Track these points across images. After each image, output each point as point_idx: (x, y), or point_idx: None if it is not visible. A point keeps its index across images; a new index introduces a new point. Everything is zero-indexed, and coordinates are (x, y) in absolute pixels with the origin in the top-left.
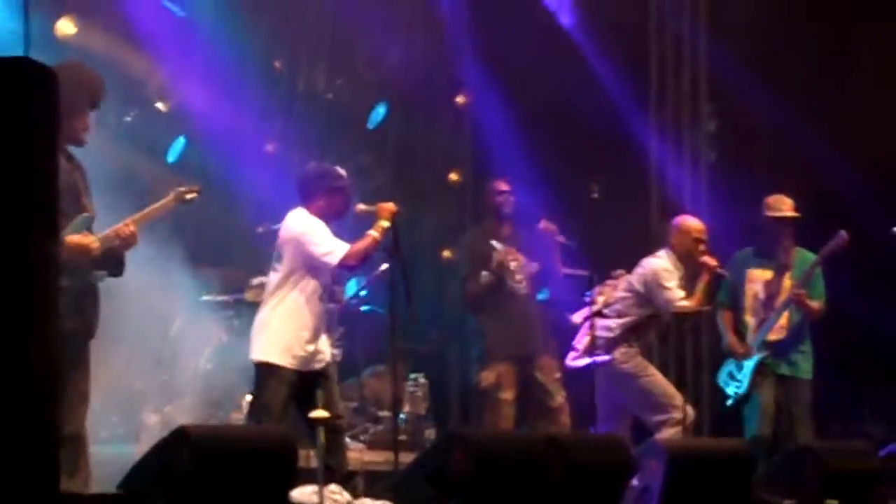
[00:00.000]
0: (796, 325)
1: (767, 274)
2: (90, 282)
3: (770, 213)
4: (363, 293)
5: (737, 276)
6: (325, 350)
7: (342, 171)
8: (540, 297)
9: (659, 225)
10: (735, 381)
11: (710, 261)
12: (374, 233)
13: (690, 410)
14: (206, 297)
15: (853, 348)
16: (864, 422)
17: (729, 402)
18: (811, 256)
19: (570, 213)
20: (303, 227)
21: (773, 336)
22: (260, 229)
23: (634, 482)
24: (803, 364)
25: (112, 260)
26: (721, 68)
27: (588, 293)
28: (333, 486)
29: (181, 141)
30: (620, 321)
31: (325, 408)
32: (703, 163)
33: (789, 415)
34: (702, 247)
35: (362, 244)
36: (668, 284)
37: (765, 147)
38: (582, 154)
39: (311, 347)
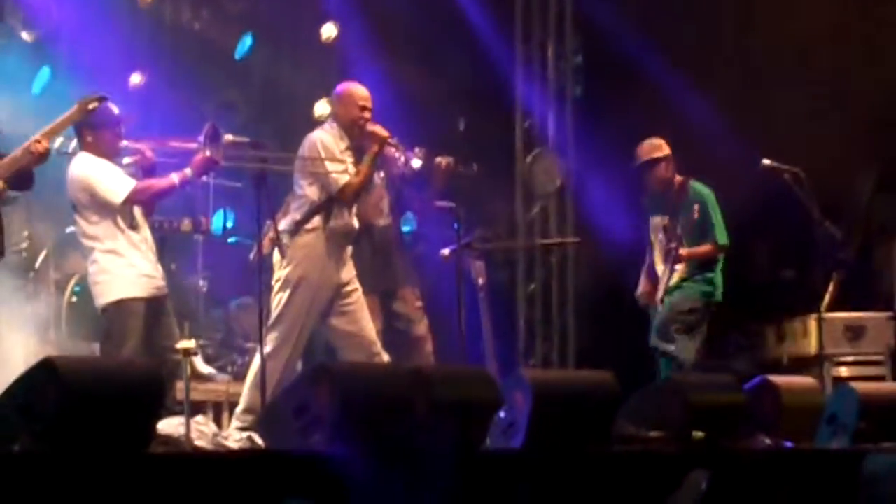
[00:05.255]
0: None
1: (663, 220)
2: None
3: (635, 162)
4: (230, 225)
5: (646, 223)
6: (160, 277)
7: (111, 107)
8: (406, 228)
9: (524, 158)
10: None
11: (377, 130)
12: (175, 177)
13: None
14: (71, 229)
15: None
16: (730, 358)
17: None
18: (703, 191)
19: (436, 146)
20: (85, 171)
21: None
22: (126, 160)
23: (500, 415)
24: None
25: (22, 176)
26: (587, 1)
27: (455, 224)
28: (200, 418)
29: (46, 72)
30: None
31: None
32: (569, 96)
33: None
34: (367, 114)
35: (157, 185)
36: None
37: (631, 81)
38: (448, 87)
39: (149, 275)
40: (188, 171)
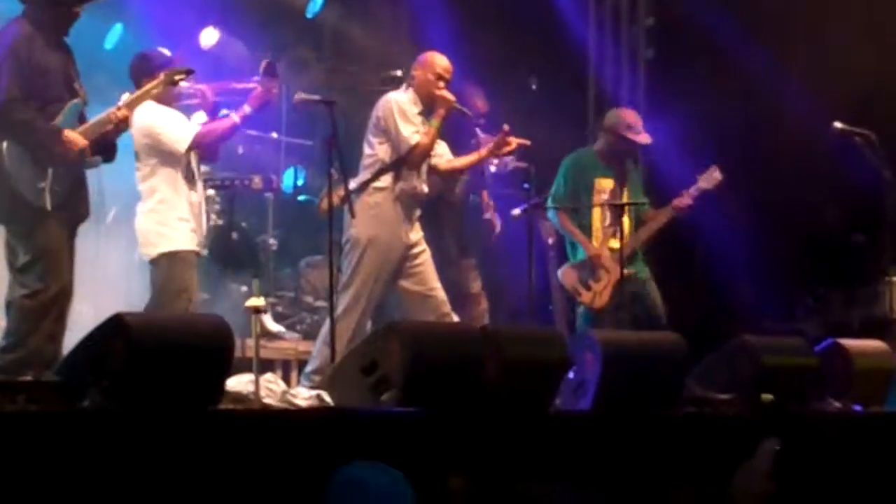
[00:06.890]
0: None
1: (611, 183)
2: (83, 169)
3: (630, 135)
4: (300, 183)
5: (580, 179)
6: (202, 234)
7: (166, 53)
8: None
9: (595, 119)
10: (587, 289)
11: (445, 94)
12: (235, 116)
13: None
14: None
15: (787, 249)
16: (799, 321)
17: (580, 308)
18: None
19: (507, 105)
20: (149, 119)
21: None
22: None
23: (570, 375)
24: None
25: (105, 144)
26: None
27: (526, 184)
28: (269, 375)
29: (118, 28)
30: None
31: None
32: (641, 58)
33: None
34: (441, 84)
35: (219, 126)
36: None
37: (702, 43)
38: (520, 47)
39: (196, 230)
40: (247, 107)
